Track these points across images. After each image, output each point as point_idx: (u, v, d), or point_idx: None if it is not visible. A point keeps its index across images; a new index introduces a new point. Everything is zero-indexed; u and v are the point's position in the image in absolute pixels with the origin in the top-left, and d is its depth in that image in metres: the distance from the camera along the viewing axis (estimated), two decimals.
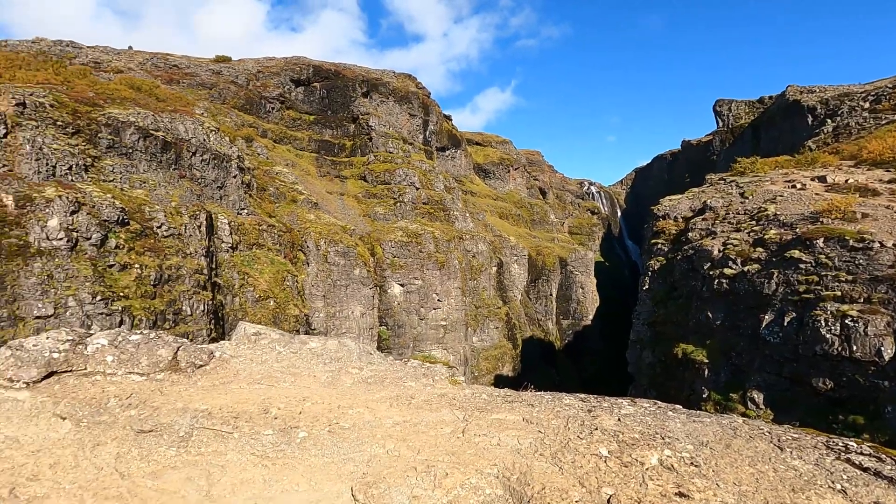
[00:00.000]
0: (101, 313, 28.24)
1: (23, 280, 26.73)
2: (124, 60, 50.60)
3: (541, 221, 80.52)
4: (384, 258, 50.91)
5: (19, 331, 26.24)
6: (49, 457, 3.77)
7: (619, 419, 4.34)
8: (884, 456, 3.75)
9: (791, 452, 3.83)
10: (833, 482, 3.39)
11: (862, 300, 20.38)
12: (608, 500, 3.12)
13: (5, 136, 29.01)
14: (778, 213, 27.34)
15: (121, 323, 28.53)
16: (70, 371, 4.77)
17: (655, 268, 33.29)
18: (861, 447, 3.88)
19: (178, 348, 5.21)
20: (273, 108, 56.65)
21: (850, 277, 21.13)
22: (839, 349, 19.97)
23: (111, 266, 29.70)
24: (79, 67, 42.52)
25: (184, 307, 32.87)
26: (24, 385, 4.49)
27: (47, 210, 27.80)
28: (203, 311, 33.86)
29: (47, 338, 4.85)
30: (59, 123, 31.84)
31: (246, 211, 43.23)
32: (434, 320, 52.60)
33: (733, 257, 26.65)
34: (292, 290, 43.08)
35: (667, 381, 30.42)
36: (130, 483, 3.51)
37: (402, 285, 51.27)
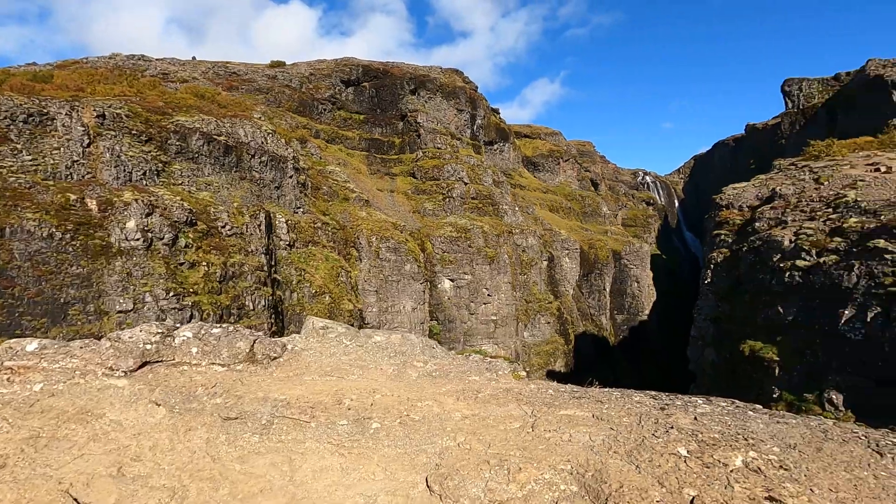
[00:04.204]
0: (174, 308, 30.27)
1: (106, 277, 29.12)
2: (189, 70, 53.72)
3: (593, 214, 78.39)
4: (434, 253, 51.35)
5: (104, 324, 28.63)
6: (148, 440, 4.09)
7: (695, 418, 4.17)
8: None
9: (893, 458, 3.54)
10: None
11: None
12: (691, 502, 3.01)
13: (89, 145, 31.57)
14: (859, 199, 25.19)
15: (191, 318, 30.49)
16: (161, 361, 5.15)
17: (719, 260, 31.61)
18: None
19: (255, 341, 5.51)
20: (325, 109, 58.37)
21: None
22: None
23: (181, 264, 31.77)
24: (149, 79, 45.58)
25: (247, 302, 34.66)
26: (123, 374, 4.90)
27: (126, 213, 30.08)
28: (264, 305, 35.56)
29: (140, 330, 5.26)
30: (133, 132, 34.30)
31: (301, 210, 44.87)
32: (484, 315, 52.57)
33: (807, 248, 24.85)
34: (346, 286, 44.38)
35: (732, 380, 28.92)
36: (221, 466, 3.75)
37: (451, 280, 51.55)
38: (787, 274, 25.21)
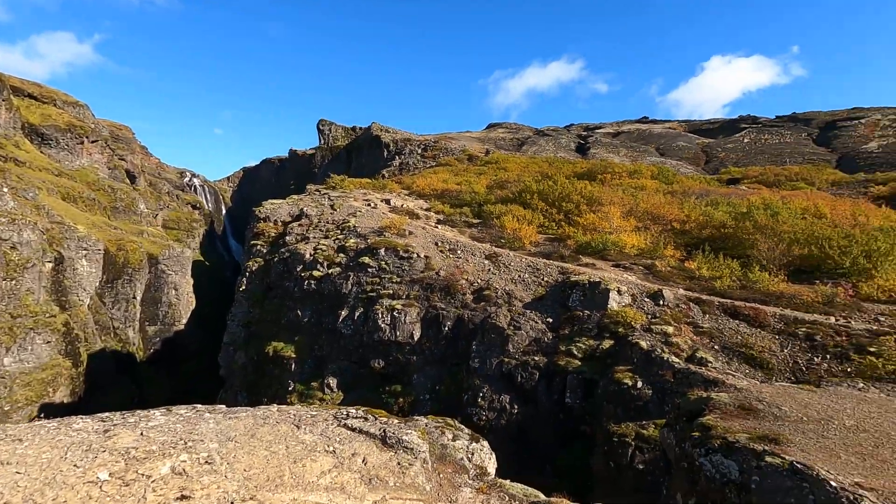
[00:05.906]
0: None
1: None
2: None
3: (126, 210, 67.69)
4: None
5: None
6: None
7: (142, 433, 3.93)
8: (370, 416, 4.88)
9: (305, 429, 4.44)
10: (328, 446, 4.12)
11: (405, 297, 26.80)
12: None
13: None
14: (357, 225, 32.72)
15: None
16: None
17: (254, 269, 33.62)
18: (357, 412, 4.92)
19: None
20: None
21: (398, 279, 27.48)
22: (389, 335, 25.55)
23: None
24: None
25: None
26: None
27: None
28: None
29: None
30: None
31: None
32: None
33: (321, 261, 30.03)
34: None
35: (259, 379, 31.06)
36: None
37: None
38: (306, 282, 29.62)
